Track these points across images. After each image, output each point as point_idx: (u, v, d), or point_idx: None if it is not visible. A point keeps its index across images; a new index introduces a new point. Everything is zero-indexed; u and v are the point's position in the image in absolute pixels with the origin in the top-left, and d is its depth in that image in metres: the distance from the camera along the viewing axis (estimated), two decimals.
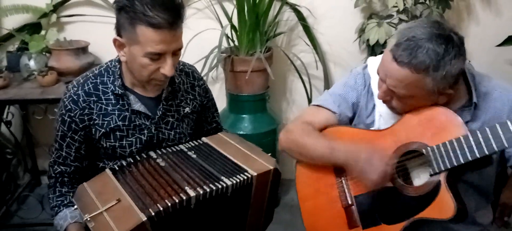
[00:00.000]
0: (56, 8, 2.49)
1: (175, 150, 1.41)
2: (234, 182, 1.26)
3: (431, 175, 1.27)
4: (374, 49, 2.31)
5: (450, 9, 2.35)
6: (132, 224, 1.14)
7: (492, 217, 1.42)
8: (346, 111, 1.45)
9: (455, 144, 1.23)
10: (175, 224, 1.24)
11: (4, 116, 2.45)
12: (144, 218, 1.15)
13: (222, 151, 1.40)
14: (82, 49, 2.35)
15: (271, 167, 1.33)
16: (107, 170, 1.35)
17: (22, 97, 2.18)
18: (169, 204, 1.19)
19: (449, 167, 1.24)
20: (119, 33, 1.31)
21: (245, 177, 1.28)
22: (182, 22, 1.29)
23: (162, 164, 1.34)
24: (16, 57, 2.40)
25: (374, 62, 1.44)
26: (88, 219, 1.19)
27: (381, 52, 2.23)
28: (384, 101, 1.34)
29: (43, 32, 2.48)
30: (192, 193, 1.21)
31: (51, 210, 1.44)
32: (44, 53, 2.40)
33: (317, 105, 1.48)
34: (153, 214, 1.17)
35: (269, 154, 1.41)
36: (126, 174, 1.33)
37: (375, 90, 1.40)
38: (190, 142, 1.45)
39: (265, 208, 1.42)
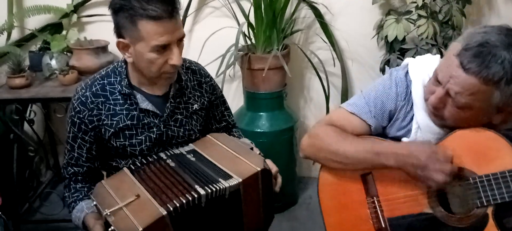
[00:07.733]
0: (76, 8, 2.54)
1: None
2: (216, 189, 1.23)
3: (477, 207, 1.18)
4: (392, 45, 2.28)
5: (470, 4, 2.30)
6: (153, 218, 1.16)
7: None
8: (382, 122, 1.34)
9: (508, 176, 1.14)
10: (189, 223, 1.25)
11: (27, 114, 2.49)
12: (164, 212, 1.17)
13: (206, 155, 1.37)
14: (102, 49, 2.39)
15: (258, 169, 1.28)
16: (125, 168, 1.37)
17: (44, 96, 2.22)
18: (185, 201, 1.20)
19: (499, 201, 1.15)
20: (120, 35, 1.32)
21: (230, 184, 1.24)
22: (179, 10, 1.31)
23: (172, 164, 1.35)
24: (38, 57, 2.44)
25: (415, 65, 1.32)
26: (108, 213, 1.20)
27: (400, 49, 2.24)
28: (434, 108, 1.22)
29: (64, 32, 2.53)
30: (202, 192, 1.22)
31: (67, 208, 1.46)
32: (65, 52, 2.45)
33: (350, 113, 1.35)
34: (172, 209, 1.18)
35: (258, 152, 1.38)
36: (142, 173, 1.34)
37: (417, 99, 1.29)
38: (172, 150, 1.42)
39: (261, 206, 1.37)
